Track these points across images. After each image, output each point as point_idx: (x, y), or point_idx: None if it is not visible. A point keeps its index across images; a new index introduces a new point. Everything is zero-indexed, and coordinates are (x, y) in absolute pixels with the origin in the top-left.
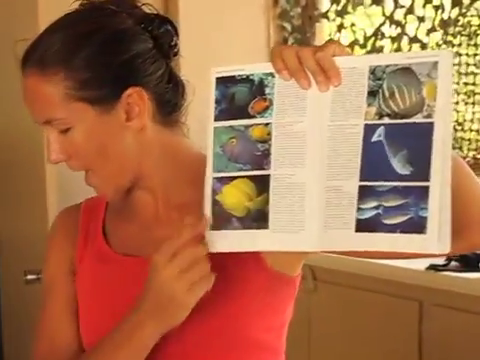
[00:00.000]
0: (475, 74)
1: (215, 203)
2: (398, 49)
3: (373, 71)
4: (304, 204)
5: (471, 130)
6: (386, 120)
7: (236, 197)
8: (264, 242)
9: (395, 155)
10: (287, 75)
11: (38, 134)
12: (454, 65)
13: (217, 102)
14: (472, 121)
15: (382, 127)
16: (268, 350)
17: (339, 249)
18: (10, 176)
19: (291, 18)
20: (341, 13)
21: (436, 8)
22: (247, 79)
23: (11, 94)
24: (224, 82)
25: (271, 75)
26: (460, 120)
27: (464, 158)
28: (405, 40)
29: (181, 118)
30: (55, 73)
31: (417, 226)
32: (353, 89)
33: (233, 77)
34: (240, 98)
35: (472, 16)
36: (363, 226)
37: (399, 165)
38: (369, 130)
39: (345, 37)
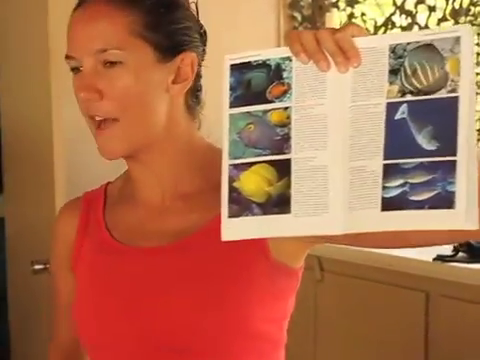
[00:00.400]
0: None
1: (233, 190)
2: None
3: (393, 50)
4: (327, 186)
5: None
6: (409, 97)
7: (255, 183)
8: (287, 227)
9: (420, 131)
10: (306, 58)
11: (46, 125)
12: None
13: (232, 89)
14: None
15: (405, 104)
16: (269, 342)
17: (365, 230)
18: (18, 167)
19: (301, 8)
20: (351, 2)
21: None
22: (263, 64)
23: (20, 85)
24: (239, 68)
25: (288, 59)
26: None
27: None
28: (416, 30)
29: (199, 114)
30: (127, 6)
31: (445, 201)
32: (374, 69)
33: (248, 63)
34: (257, 83)
35: None
36: (389, 204)
37: (424, 141)
38: (392, 108)
39: None
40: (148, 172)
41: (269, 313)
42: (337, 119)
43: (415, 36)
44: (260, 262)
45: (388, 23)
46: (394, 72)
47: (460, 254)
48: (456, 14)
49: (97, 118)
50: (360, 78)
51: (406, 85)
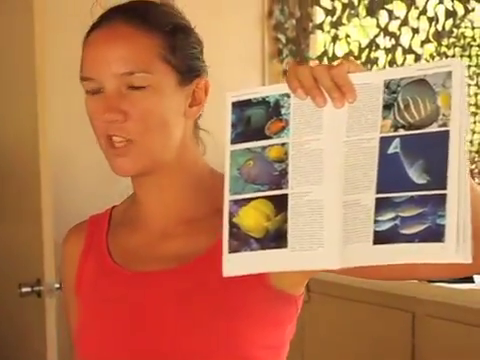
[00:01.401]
0: (469, 85)
1: (233, 225)
2: (392, 60)
3: (388, 85)
4: (323, 221)
5: None
6: (402, 132)
7: (254, 218)
8: (283, 262)
9: (411, 165)
10: (303, 94)
11: (33, 146)
12: None
13: (233, 126)
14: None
15: (398, 139)
16: None
17: (358, 264)
18: (4, 188)
19: (285, 30)
20: (336, 24)
21: (430, 20)
22: (263, 101)
23: (6, 106)
24: (240, 106)
25: (286, 96)
26: None
27: None
28: (399, 51)
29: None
30: (150, 29)
31: (435, 234)
32: (368, 104)
33: (249, 100)
34: (256, 120)
35: (466, 27)
36: (381, 238)
37: (416, 175)
38: (385, 143)
39: (340, 48)
40: (154, 195)
41: (266, 340)
42: (332, 154)
43: (408, 71)
44: (259, 289)
45: (372, 45)
46: (388, 107)
47: None
48: (439, 36)
49: (115, 139)
50: (355, 113)
51: (399, 120)
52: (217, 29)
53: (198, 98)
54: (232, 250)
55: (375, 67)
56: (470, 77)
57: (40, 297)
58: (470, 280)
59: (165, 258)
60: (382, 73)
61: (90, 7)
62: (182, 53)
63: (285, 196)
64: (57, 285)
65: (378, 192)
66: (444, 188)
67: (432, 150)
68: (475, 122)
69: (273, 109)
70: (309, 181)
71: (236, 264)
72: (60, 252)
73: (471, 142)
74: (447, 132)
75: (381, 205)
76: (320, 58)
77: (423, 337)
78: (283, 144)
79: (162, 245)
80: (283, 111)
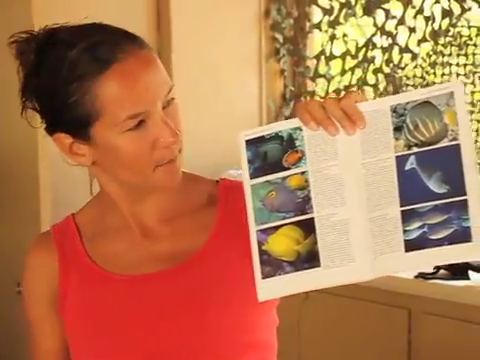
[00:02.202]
0: (465, 84)
1: (263, 253)
2: (389, 59)
3: (395, 109)
4: (350, 238)
5: None
6: (415, 149)
7: (284, 244)
8: (318, 280)
9: (430, 178)
10: (315, 126)
11: (31, 145)
12: (444, 75)
13: (250, 162)
14: None
15: (413, 156)
16: (268, 348)
17: (393, 272)
18: (3, 187)
19: (283, 29)
20: (333, 24)
21: (427, 19)
22: (276, 136)
23: (4, 107)
24: (254, 143)
25: (298, 129)
26: None
27: None
28: (396, 50)
29: None
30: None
31: (463, 236)
32: (379, 128)
33: (262, 137)
34: (273, 154)
35: (462, 26)
36: (412, 246)
37: (436, 186)
38: (401, 161)
39: (337, 48)
40: (141, 199)
41: (267, 320)
42: (351, 176)
43: (413, 96)
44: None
45: (369, 44)
46: (398, 129)
47: (441, 271)
48: (436, 35)
49: (170, 158)
50: (367, 137)
51: (411, 139)
52: (214, 28)
53: None
54: (265, 276)
55: (372, 66)
56: (466, 76)
57: None
58: (466, 277)
59: (159, 259)
60: (387, 100)
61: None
62: None
63: (311, 220)
64: None
65: (402, 205)
66: (464, 194)
67: (447, 162)
68: (471, 120)
69: (287, 142)
70: (333, 204)
71: (270, 288)
72: None
73: None
74: (458, 145)
75: (407, 216)
76: (317, 57)
77: (419, 334)
78: (302, 173)
79: (152, 247)
80: (297, 143)
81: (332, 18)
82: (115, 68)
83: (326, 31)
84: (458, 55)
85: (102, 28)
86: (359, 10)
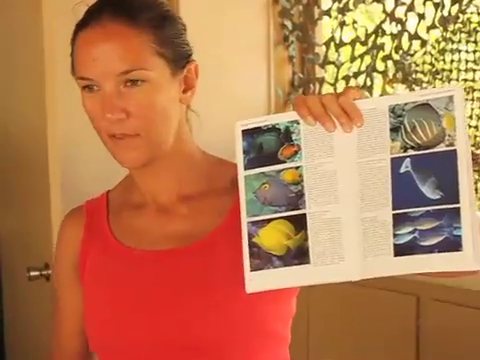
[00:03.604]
0: (474, 70)
1: (253, 245)
2: (398, 46)
3: (393, 110)
4: (342, 236)
5: (470, 126)
6: (411, 152)
7: (275, 237)
8: (307, 276)
9: (424, 182)
10: (312, 120)
11: (42, 132)
12: (453, 62)
13: (245, 152)
14: (471, 117)
15: (408, 159)
16: (279, 339)
17: (380, 275)
18: (13, 173)
19: (291, 16)
20: (343, 10)
21: (436, 5)
22: (273, 128)
23: (15, 93)
24: (250, 133)
25: (296, 122)
26: None
27: None
28: (405, 37)
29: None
30: (138, 24)
31: (453, 244)
32: (376, 127)
33: (259, 128)
34: (269, 146)
35: (472, 13)
36: (401, 250)
37: (429, 191)
38: (396, 163)
39: (346, 34)
40: (153, 178)
41: (279, 311)
42: (346, 174)
43: (412, 97)
44: None
45: (378, 31)
46: (395, 130)
47: None
48: (445, 22)
49: (119, 136)
50: (364, 136)
51: (407, 141)
52: (222, 15)
53: (190, 83)
54: (254, 268)
55: (381, 53)
56: (475, 62)
57: (48, 281)
58: None
59: (174, 237)
60: (386, 99)
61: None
62: (172, 43)
63: (303, 216)
64: None
65: (394, 208)
66: (457, 202)
67: (442, 168)
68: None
69: (284, 135)
70: (326, 200)
71: (259, 281)
72: None
73: (477, 127)
74: (454, 151)
75: (399, 220)
76: (327, 44)
77: (428, 320)
78: (297, 167)
79: (167, 224)
80: (294, 137)
81: (342, 5)
82: (84, 32)
83: (336, 18)
84: (467, 42)
85: None
86: None
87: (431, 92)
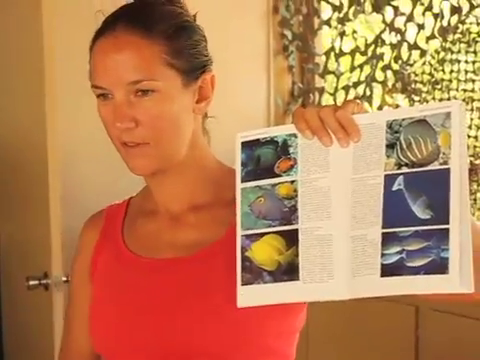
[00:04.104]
0: (473, 81)
1: (245, 259)
2: (398, 56)
3: (390, 125)
4: (332, 254)
5: (469, 136)
6: (405, 169)
7: (266, 252)
8: (295, 293)
9: (415, 201)
10: (310, 134)
11: (41, 139)
12: (453, 72)
13: (243, 164)
14: (470, 127)
15: (401, 176)
16: (279, 357)
17: (366, 295)
18: (12, 181)
19: (291, 26)
20: (342, 20)
21: (435, 16)
22: (271, 141)
23: (15, 98)
24: (249, 145)
25: (294, 136)
26: None
27: None
28: (405, 47)
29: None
30: (152, 35)
31: (440, 267)
32: (372, 143)
33: (257, 140)
34: (266, 159)
35: (471, 23)
36: (388, 270)
37: (419, 210)
38: (389, 180)
39: (346, 44)
40: (166, 187)
41: (280, 327)
42: (340, 191)
43: (410, 112)
44: None
45: (378, 41)
46: (391, 146)
47: None
48: (444, 32)
49: (130, 144)
50: (360, 152)
51: (402, 158)
52: (222, 25)
53: (205, 94)
54: (245, 282)
55: (381, 63)
56: (475, 73)
57: (47, 290)
58: None
59: (179, 246)
60: (385, 113)
61: (95, 11)
62: (186, 54)
63: (295, 231)
64: (64, 278)
65: (384, 227)
66: (447, 223)
67: (434, 187)
68: None
69: (281, 148)
70: (318, 217)
71: (249, 296)
72: (68, 245)
73: (476, 137)
74: (448, 170)
75: (387, 239)
76: (327, 54)
77: (427, 331)
78: (292, 182)
79: (176, 233)
80: (291, 150)
81: (341, 15)
82: (99, 41)
83: (336, 28)
84: (467, 52)
85: (128, 4)
86: (368, 7)
87: (429, 108)
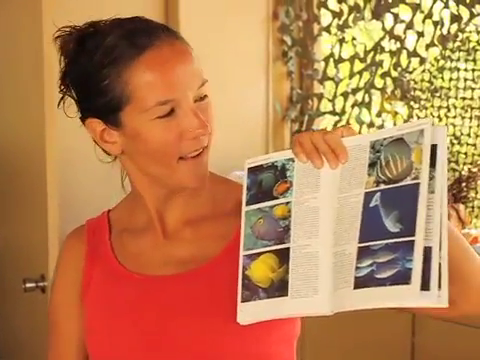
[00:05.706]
0: (473, 89)
1: (245, 278)
2: (397, 63)
3: (373, 145)
4: (318, 270)
5: (467, 144)
6: (382, 186)
7: (262, 270)
8: (285, 308)
9: (388, 216)
10: (303, 157)
11: (40, 144)
12: (452, 80)
13: (248, 188)
14: (469, 135)
15: (379, 193)
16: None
17: (346, 309)
18: (10, 184)
19: (291, 32)
20: (342, 27)
21: (435, 23)
22: (272, 166)
23: (13, 104)
24: (254, 170)
25: (292, 160)
26: (457, 134)
27: (460, 172)
28: (404, 54)
29: None
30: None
31: (403, 277)
32: (357, 164)
33: (261, 166)
34: (267, 183)
35: (471, 32)
36: (360, 283)
37: (391, 224)
38: (368, 197)
39: (345, 51)
40: (166, 200)
41: (282, 334)
42: (327, 209)
43: (390, 132)
44: None
45: (377, 48)
46: (372, 165)
47: None
48: (444, 40)
49: (193, 154)
50: (346, 173)
51: (380, 175)
52: (222, 30)
53: None
54: (244, 299)
55: (380, 70)
56: (474, 81)
57: (44, 293)
58: None
59: (177, 262)
60: (370, 135)
61: (97, 8)
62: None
63: (287, 249)
64: None
65: (360, 242)
66: (413, 235)
67: (405, 201)
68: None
69: (280, 172)
70: (307, 235)
71: (248, 312)
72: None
73: (474, 145)
74: (418, 184)
75: (362, 253)
76: (326, 60)
77: (423, 338)
78: (287, 203)
79: (171, 249)
80: (288, 173)
81: (341, 22)
82: (149, 54)
83: (335, 34)
84: (466, 60)
85: (141, 19)
86: (368, 14)
87: (407, 126)
